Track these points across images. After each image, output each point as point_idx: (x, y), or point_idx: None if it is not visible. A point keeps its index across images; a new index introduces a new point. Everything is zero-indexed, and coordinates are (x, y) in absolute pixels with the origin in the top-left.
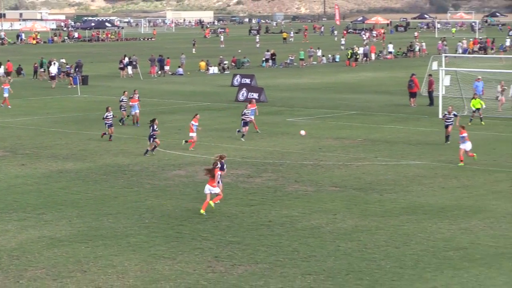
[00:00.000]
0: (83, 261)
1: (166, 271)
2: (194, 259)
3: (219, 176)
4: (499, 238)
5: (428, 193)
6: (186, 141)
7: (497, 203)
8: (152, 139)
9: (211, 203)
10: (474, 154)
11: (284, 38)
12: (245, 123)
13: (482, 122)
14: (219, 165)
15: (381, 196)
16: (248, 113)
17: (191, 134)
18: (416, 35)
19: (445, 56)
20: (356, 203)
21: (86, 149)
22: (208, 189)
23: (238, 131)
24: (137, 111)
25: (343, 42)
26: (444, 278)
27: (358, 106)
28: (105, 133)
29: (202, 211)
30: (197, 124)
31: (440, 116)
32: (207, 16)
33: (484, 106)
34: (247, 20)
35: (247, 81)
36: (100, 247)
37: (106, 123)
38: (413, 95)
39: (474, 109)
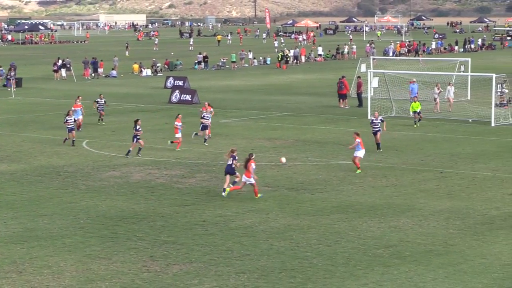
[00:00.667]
0: (19, 262)
1: (102, 271)
2: (129, 259)
3: (253, 168)
4: (427, 235)
5: (358, 192)
6: (172, 142)
7: (425, 201)
8: (135, 139)
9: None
10: (358, 169)
11: (219, 41)
12: (204, 127)
13: (417, 124)
14: (253, 157)
15: (312, 195)
16: (207, 116)
17: (176, 135)
18: (351, 38)
19: (373, 59)
20: (288, 203)
21: (21, 151)
22: (245, 179)
23: (195, 134)
24: (80, 117)
25: (276, 45)
26: (375, 275)
27: (289, 107)
28: (66, 139)
29: (258, 195)
30: (180, 123)
31: (369, 117)
32: (140, 19)
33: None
34: (179, 23)
35: (180, 83)
36: (35, 248)
37: (67, 127)
38: (343, 96)
39: (412, 112)
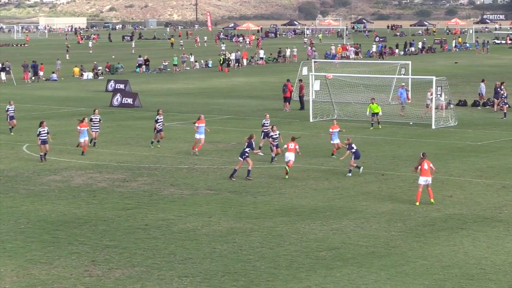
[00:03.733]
0: None
1: (43, 276)
2: (71, 263)
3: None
4: (369, 237)
5: (301, 195)
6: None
7: (366, 203)
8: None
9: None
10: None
11: (172, 44)
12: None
13: (379, 126)
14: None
15: (255, 198)
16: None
17: (199, 136)
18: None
19: (315, 62)
20: (231, 206)
21: None
22: (423, 180)
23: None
24: (86, 138)
25: (223, 48)
26: (318, 278)
27: (231, 110)
28: (42, 155)
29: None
30: (202, 125)
31: (311, 120)
32: (81, 22)
33: (380, 113)
34: (120, 26)
35: (121, 86)
36: None
37: (40, 139)
38: (287, 99)
39: (370, 113)
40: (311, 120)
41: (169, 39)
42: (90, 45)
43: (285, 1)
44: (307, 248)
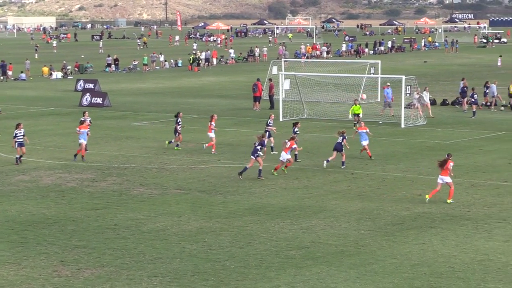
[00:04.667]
0: None
1: (11, 276)
2: (40, 264)
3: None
4: (338, 236)
5: (271, 194)
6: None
7: (336, 202)
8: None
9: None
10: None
11: (145, 43)
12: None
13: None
14: (451, 157)
15: (225, 198)
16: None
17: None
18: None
19: (285, 61)
20: (201, 205)
21: None
22: (440, 179)
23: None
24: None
25: (195, 47)
26: (287, 277)
27: (201, 110)
28: (18, 158)
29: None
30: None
31: (281, 119)
32: (50, 22)
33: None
34: (89, 26)
35: (91, 86)
36: None
37: (16, 142)
38: (257, 99)
39: (352, 114)
40: (281, 119)
41: (139, 38)
42: (54, 45)
43: (254, 1)
44: (277, 247)
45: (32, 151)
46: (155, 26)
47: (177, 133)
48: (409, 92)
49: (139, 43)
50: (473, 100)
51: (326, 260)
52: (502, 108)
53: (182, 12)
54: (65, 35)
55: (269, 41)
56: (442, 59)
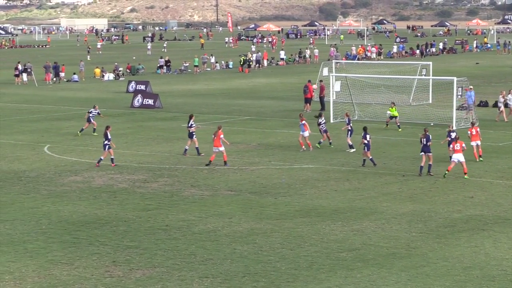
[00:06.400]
0: None
1: (64, 276)
2: (92, 264)
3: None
4: (389, 238)
5: (321, 195)
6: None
7: (387, 204)
8: (106, 147)
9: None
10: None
11: (202, 44)
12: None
13: (399, 129)
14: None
15: (275, 199)
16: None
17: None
18: (312, 41)
19: (337, 62)
20: (252, 207)
21: None
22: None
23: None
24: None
25: (253, 49)
26: (338, 279)
27: (252, 111)
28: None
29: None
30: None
31: (332, 121)
32: (101, 24)
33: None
34: (141, 27)
35: (142, 87)
36: None
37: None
38: (308, 100)
39: (390, 116)
40: (331, 121)
41: (190, 40)
42: (98, 46)
43: (305, 2)
44: (328, 249)
45: (85, 152)
46: (204, 29)
47: (192, 136)
48: (460, 93)
49: (165, 46)
50: None
51: (377, 262)
52: None
53: (232, 14)
54: (117, 37)
55: (310, 42)
56: (494, 60)
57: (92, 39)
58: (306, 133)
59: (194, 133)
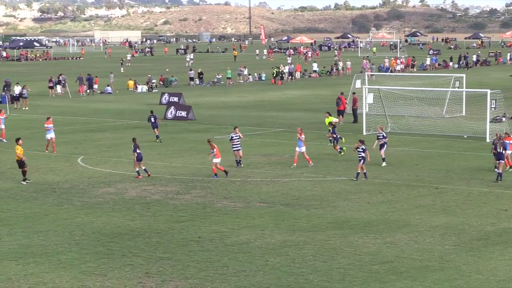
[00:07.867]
0: (14, 279)
1: (97, 287)
2: (125, 275)
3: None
4: (423, 251)
5: (354, 208)
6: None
7: (420, 217)
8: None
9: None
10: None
11: (235, 56)
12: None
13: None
14: None
15: (308, 211)
16: (236, 138)
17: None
18: (337, 54)
19: (371, 74)
20: (284, 219)
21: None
22: None
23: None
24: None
25: (289, 61)
26: None
27: (284, 123)
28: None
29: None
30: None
31: (365, 133)
32: (135, 36)
33: None
34: (174, 39)
35: (175, 99)
36: (30, 264)
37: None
38: (340, 112)
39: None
40: (364, 133)
41: (223, 52)
42: (128, 58)
43: (338, 15)
44: (360, 261)
45: (118, 163)
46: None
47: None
48: (494, 106)
49: (190, 58)
50: None
51: (410, 275)
52: None
53: (265, 26)
54: (151, 49)
55: (335, 55)
56: None
57: (123, 51)
58: (303, 148)
59: (238, 145)
